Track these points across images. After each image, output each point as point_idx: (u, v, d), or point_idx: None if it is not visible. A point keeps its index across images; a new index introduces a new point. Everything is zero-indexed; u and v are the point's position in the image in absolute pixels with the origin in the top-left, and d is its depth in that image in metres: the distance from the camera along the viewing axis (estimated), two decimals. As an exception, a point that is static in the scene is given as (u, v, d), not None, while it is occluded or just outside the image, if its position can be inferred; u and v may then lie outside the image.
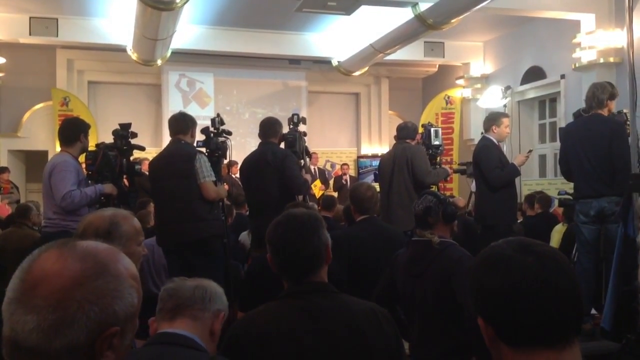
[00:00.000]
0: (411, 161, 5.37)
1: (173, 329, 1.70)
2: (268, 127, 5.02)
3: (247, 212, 7.00)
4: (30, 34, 9.34)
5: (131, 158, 4.85)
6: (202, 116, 9.60)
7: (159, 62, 10.27)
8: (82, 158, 4.68)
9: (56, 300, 0.97)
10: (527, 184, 9.74)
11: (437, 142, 5.92)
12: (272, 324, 1.80)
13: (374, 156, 12.54)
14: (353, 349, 1.76)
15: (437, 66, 12.57)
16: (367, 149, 13.52)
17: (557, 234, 6.30)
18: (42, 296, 0.97)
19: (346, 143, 13.73)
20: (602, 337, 4.19)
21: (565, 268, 1.13)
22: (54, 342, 0.96)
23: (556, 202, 7.49)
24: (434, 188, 5.38)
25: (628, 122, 4.44)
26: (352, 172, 12.45)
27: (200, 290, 1.77)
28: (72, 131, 4.52)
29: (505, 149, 5.85)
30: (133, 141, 4.80)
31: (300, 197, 4.94)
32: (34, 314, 0.96)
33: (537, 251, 1.14)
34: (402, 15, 8.40)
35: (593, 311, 4.67)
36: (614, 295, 4.10)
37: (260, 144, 5.02)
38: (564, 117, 9.16)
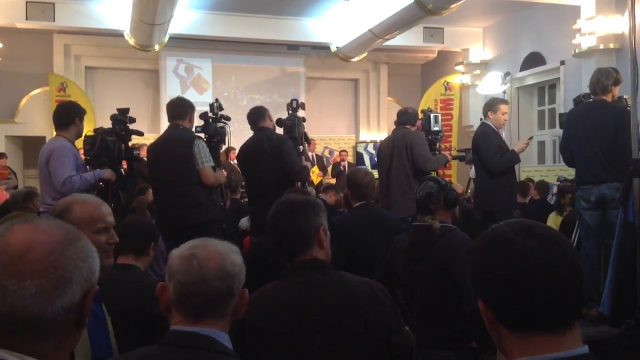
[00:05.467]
0: (410, 147, 5.30)
1: (199, 329, 1.52)
2: (253, 115, 4.96)
3: (240, 197, 7.02)
4: (26, 19, 9.26)
5: (130, 143, 4.81)
6: (200, 102, 9.59)
7: (157, 47, 10.20)
8: (80, 143, 4.63)
9: (53, 261, 0.98)
10: (526, 171, 9.74)
11: (436, 128, 5.88)
12: (275, 299, 1.98)
13: (373, 142, 12.53)
14: (351, 317, 1.92)
15: (437, 52, 12.51)
16: (366, 135, 13.48)
17: (551, 222, 6.24)
18: (36, 260, 0.98)
19: (344, 129, 13.69)
20: (600, 322, 4.21)
21: (567, 252, 1.11)
22: (56, 303, 0.97)
23: (555, 189, 7.49)
24: (433, 174, 5.35)
25: (629, 108, 4.41)
26: (350, 158, 12.43)
27: (226, 281, 1.53)
28: (67, 115, 4.42)
29: (504, 135, 5.80)
30: (131, 126, 4.76)
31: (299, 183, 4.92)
32: (32, 278, 0.96)
33: (539, 234, 1.11)
34: (402, 0, 8.34)
35: None
36: (613, 280, 4.11)
37: (255, 131, 4.97)
38: (563, 104, 9.14)
